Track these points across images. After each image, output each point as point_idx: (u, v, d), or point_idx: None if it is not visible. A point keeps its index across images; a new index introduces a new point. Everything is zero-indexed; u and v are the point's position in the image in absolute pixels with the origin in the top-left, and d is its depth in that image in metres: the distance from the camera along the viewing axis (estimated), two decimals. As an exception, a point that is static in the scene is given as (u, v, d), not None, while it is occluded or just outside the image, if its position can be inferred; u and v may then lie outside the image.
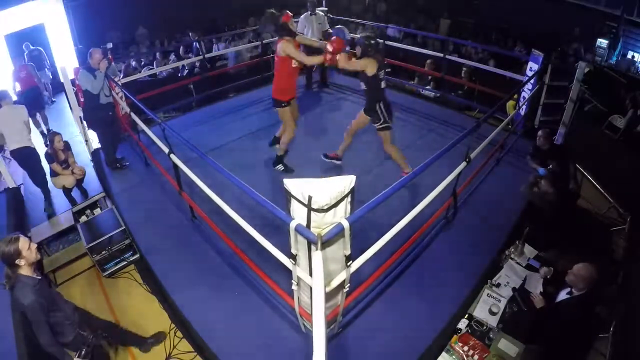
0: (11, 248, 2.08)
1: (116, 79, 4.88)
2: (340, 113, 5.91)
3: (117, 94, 4.93)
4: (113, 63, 4.71)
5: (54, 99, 7.35)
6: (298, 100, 5.72)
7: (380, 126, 3.88)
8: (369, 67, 3.57)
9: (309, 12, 5.96)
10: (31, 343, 2.63)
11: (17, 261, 2.10)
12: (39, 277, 2.24)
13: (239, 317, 2.94)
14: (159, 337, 3.00)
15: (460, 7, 10.39)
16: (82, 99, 4.55)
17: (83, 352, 2.36)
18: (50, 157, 4.13)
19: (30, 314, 2.14)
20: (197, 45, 7.49)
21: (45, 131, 5.98)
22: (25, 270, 2.15)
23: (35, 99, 5.98)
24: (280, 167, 4.44)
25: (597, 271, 2.56)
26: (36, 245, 2.22)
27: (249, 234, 2.49)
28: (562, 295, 2.75)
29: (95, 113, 4.38)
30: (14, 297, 2.16)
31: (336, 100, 6.30)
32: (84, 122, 4.74)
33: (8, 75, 6.19)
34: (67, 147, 4.27)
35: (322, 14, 6.13)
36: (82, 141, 5.09)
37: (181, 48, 8.17)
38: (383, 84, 3.72)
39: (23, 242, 2.12)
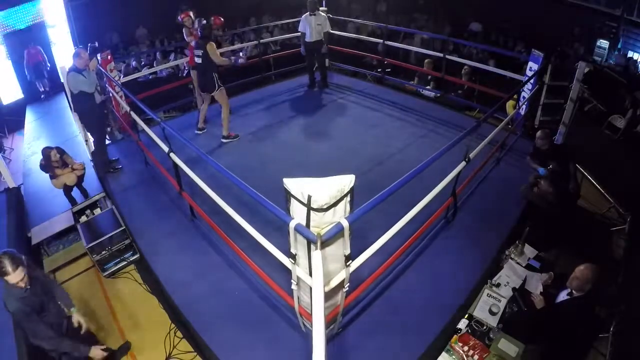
0: None
1: (116, 79, 4.88)
2: (341, 113, 5.91)
3: (117, 93, 4.93)
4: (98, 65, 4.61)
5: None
6: (300, 100, 6.08)
7: (218, 89, 4.84)
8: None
9: (309, 12, 5.90)
10: (31, 342, 2.64)
11: (2, 277, 2.18)
12: (27, 287, 2.28)
13: (239, 317, 2.93)
14: (124, 349, 3.03)
15: (460, 7, 10.38)
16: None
17: None
18: (45, 168, 4.10)
19: (17, 320, 2.32)
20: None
21: (47, 90, 7.55)
22: (12, 280, 2.20)
23: (41, 70, 7.39)
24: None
25: (598, 271, 2.56)
26: (24, 268, 2.22)
27: (249, 233, 2.49)
28: (562, 296, 2.74)
29: (93, 113, 4.30)
30: (2, 299, 2.28)
31: (336, 100, 6.29)
32: (82, 125, 4.69)
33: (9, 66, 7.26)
34: (61, 152, 4.21)
35: (323, 14, 6.04)
36: (82, 141, 5.09)
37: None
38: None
39: (8, 266, 2.15)
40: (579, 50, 8.71)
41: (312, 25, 5.91)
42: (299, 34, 6.22)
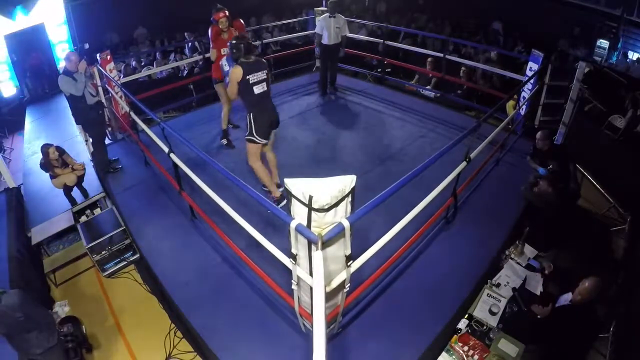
0: None
1: (115, 79, 4.87)
2: (341, 113, 5.92)
3: (116, 93, 4.93)
4: (92, 66, 4.57)
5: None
6: (299, 100, 6.13)
7: (246, 137, 3.53)
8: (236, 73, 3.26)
9: (328, 14, 5.77)
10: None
11: None
12: None
13: (238, 316, 2.93)
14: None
15: (460, 6, 10.37)
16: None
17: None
18: (45, 167, 4.10)
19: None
20: (196, 45, 7.47)
21: (46, 91, 7.50)
22: None
23: (39, 71, 7.53)
24: (223, 141, 4.97)
25: (601, 283, 2.55)
26: None
27: (249, 233, 2.49)
28: (564, 300, 2.74)
29: (86, 114, 4.28)
30: None
31: (337, 101, 6.30)
32: (79, 126, 4.68)
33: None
34: (61, 151, 4.21)
35: (342, 17, 5.87)
36: (82, 141, 5.09)
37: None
38: (257, 89, 3.30)
39: None
40: (579, 51, 8.71)
41: (331, 28, 5.77)
42: (301, 34, 6.20)
